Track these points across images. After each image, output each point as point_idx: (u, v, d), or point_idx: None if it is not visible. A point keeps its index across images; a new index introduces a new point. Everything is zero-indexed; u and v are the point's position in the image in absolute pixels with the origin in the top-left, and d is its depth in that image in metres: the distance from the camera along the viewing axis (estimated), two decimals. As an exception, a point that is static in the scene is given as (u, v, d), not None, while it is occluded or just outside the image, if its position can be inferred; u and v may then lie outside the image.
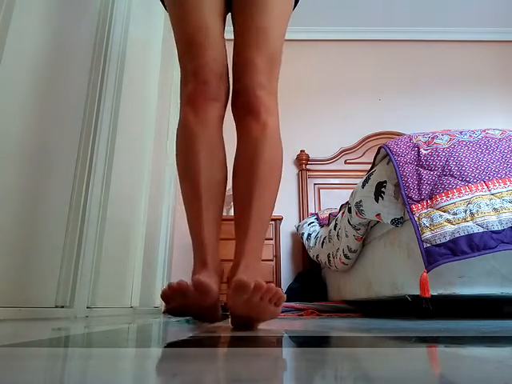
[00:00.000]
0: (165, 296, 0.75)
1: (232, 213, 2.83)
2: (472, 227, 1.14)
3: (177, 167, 0.98)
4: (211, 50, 0.96)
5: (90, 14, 1.50)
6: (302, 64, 3.59)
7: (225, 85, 0.99)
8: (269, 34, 1.00)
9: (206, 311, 0.80)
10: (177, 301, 0.75)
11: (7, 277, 1.00)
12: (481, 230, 1.14)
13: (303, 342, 0.59)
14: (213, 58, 0.96)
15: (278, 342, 0.58)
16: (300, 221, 3.09)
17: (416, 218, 1.22)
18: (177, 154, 0.98)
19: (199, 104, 0.94)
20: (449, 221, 1.18)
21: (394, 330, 0.80)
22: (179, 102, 0.98)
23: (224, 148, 1.01)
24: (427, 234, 1.17)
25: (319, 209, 3.14)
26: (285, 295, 0.78)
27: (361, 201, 1.52)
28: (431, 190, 1.26)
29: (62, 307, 1.23)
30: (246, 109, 0.97)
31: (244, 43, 1.00)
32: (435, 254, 1.14)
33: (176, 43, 1.02)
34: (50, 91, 1.22)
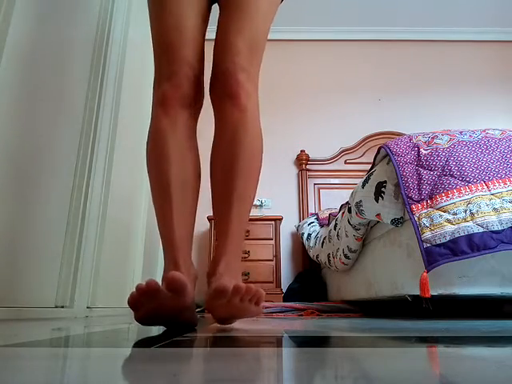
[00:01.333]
0: (133, 301, 0.67)
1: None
2: (472, 227, 1.14)
3: (147, 169, 0.94)
4: (187, 54, 0.93)
5: (90, 14, 1.50)
6: (302, 64, 3.58)
7: (199, 88, 0.96)
8: (252, 18, 0.97)
9: (181, 315, 0.72)
10: (146, 305, 0.67)
11: (7, 277, 1.00)
12: (481, 229, 1.14)
13: (303, 341, 0.59)
14: (188, 62, 0.93)
15: (277, 342, 0.58)
16: (300, 221, 3.09)
17: (416, 218, 1.22)
18: (147, 157, 0.94)
19: (171, 107, 0.92)
20: (449, 221, 1.18)
21: (394, 330, 0.80)
22: (151, 103, 0.96)
23: (197, 150, 0.98)
24: (427, 234, 1.17)
25: (319, 209, 3.14)
26: (264, 293, 0.76)
27: (361, 201, 1.52)
28: (431, 189, 1.26)
29: (62, 307, 1.23)
30: (226, 92, 0.92)
31: (226, 26, 0.97)
32: (435, 254, 1.14)
33: (152, 42, 0.99)
34: (50, 91, 1.22)
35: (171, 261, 0.82)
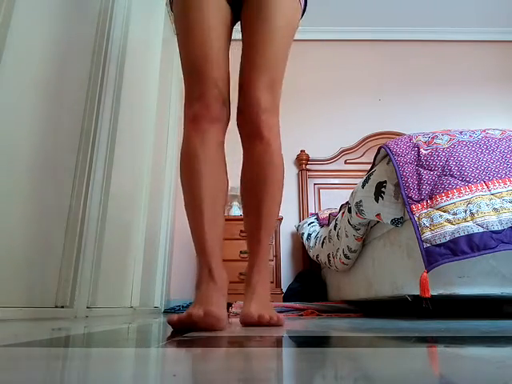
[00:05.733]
0: (172, 324, 0.80)
1: (232, 213, 2.83)
2: (472, 227, 1.14)
3: (181, 184, 1.04)
4: (214, 76, 1.02)
5: (90, 14, 1.50)
6: (303, 64, 3.58)
7: (226, 107, 1.06)
8: (273, 59, 1.07)
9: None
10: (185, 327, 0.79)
11: (8, 277, 1.00)
12: (481, 229, 1.14)
13: (303, 341, 0.59)
14: (215, 83, 1.02)
15: (278, 342, 0.58)
16: (300, 221, 3.09)
17: (416, 218, 1.22)
18: (181, 171, 1.04)
19: (202, 126, 1.01)
20: (449, 221, 1.18)
21: (394, 330, 0.80)
22: (183, 120, 1.04)
23: (225, 165, 1.08)
24: (427, 234, 1.17)
25: (319, 209, 3.14)
26: (284, 321, 0.96)
27: (361, 201, 1.52)
28: (431, 189, 1.26)
29: (62, 307, 1.23)
30: (251, 130, 1.06)
31: (249, 68, 1.07)
32: (435, 254, 1.14)
33: (181, 64, 1.07)
34: (50, 91, 1.22)
35: (205, 266, 0.95)
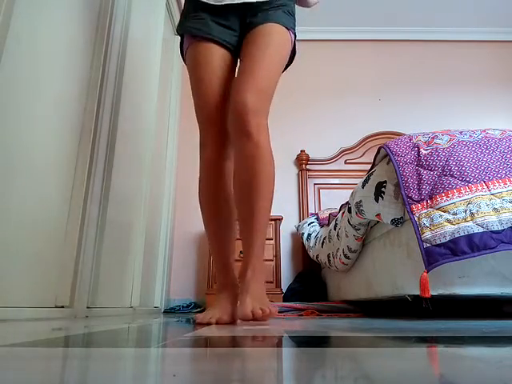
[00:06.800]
0: (198, 322, 1.08)
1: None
2: (472, 227, 1.14)
3: (201, 210, 1.27)
4: (222, 124, 1.20)
5: (90, 13, 1.50)
6: (303, 64, 3.58)
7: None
8: (261, 72, 1.18)
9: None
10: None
11: (8, 277, 1.00)
12: (481, 229, 1.14)
13: (303, 341, 0.59)
14: (223, 130, 1.20)
15: (277, 342, 0.58)
16: (300, 221, 3.09)
17: (416, 218, 1.22)
18: (200, 205, 1.27)
19: (214, 162, 1.23)
20: (449, 221, 1.18)
21: (394, 330, 0.80)
22: (199, 156, 1.26)
23: (231, 188, 1.25)
24: (427, 234, 1.17)
25: (319, 209, 3.14)
26: (275, 311, 1.05)
27: (361, 201, 1.52)
28: (431, 189, 1.26)
29: (62, 307, 1.23)
30: (241, 131, 1.14)
31: (240, 78, 1.19)
32: (435, 254, 1.14)
33: (194, 109, 1.27)
34: (49, 91, 1.22)
35: (220, 276, 1.23)
